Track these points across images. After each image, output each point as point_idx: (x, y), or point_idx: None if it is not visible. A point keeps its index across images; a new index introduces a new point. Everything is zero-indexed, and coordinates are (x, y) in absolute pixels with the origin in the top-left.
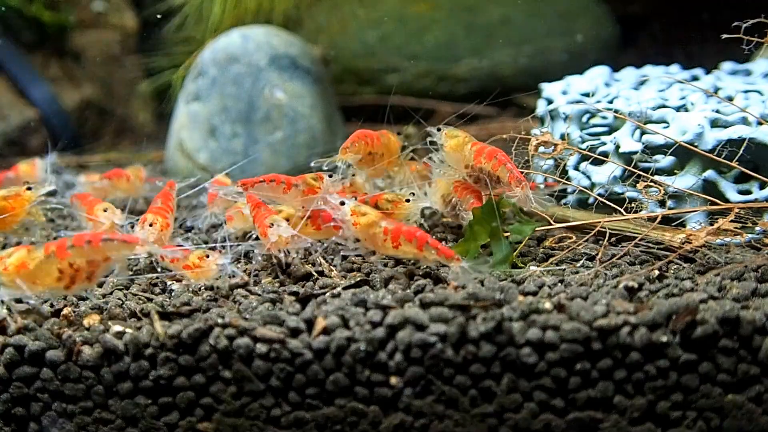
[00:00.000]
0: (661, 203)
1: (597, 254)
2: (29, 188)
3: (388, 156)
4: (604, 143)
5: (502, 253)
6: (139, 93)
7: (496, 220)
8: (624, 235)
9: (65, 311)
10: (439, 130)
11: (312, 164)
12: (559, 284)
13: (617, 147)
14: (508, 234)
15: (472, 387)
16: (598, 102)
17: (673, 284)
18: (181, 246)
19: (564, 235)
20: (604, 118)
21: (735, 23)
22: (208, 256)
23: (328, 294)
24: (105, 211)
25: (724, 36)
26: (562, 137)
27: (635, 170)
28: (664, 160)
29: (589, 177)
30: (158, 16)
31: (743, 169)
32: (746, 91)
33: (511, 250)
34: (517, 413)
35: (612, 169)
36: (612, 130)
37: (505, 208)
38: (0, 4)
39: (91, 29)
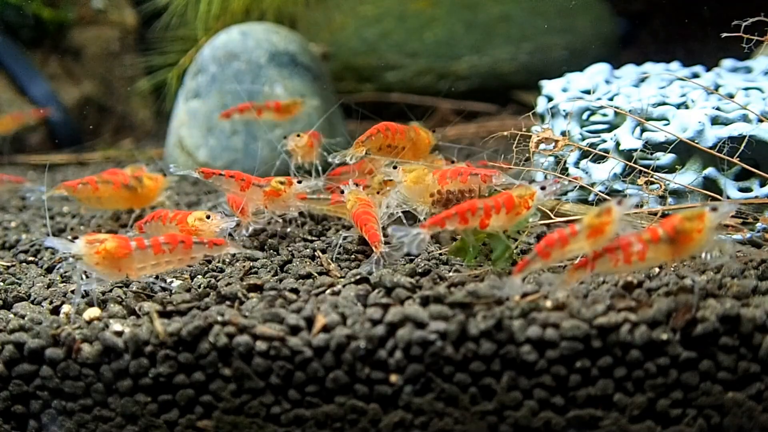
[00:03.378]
0: (662, 200)
1: None
2: (164, 174)
3: (414, 151)
4: (604, 140)
5: (501, 248)
6: (138, 90)
7: None
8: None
9: (65, 309)
10: (395, 167)
11: (330, 159)
12: None
13: (617, 144)
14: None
15: (472, 385)
16: (599, 99)
17: (673, 282)
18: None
19: None
20: (604, 115)
21: (735, 21)
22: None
23: (327, 291)
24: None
25: (725, 34)
26: (563, 134)
27: (635, 167)
28: (665, 158)
29: (589, 174)
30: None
31: (744, 166)
32: (747, 89)
33: (509, 245)
34: (517, 411)
35: (612, 166)
36: (612, 127)
37: None
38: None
39: (90, 26)
